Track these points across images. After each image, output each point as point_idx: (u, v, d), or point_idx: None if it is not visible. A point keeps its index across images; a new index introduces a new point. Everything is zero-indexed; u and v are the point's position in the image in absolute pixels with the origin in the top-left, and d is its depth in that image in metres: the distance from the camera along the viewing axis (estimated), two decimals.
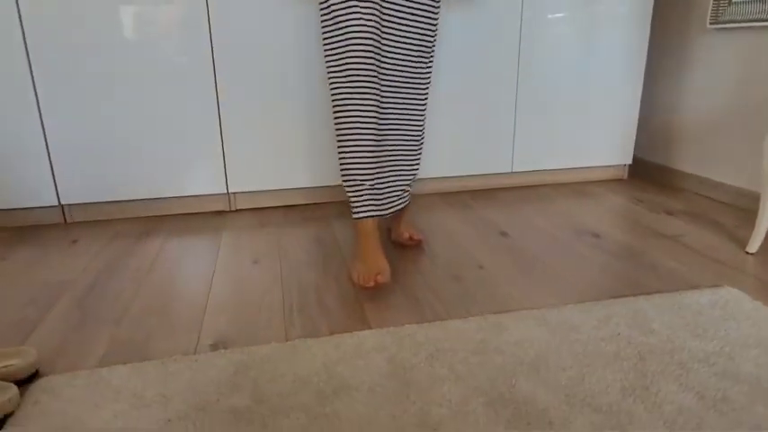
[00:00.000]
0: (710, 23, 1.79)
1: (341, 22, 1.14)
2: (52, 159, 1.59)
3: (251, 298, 1.17)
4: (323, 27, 1.20)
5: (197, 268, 1.33)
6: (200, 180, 1.70)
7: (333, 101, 1.21)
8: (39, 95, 1.53)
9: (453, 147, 1.89)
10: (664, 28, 2.04)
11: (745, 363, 0.89)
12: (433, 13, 1.27)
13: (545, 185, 2.05)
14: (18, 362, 0.87)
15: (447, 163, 1.90)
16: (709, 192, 1.88)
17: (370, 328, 1.03)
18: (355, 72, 1.16)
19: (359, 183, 1.24)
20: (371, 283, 1.13)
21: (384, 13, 1.19)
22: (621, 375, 0.86)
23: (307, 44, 1.64)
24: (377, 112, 1.21)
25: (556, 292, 1.18)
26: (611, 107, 2.00)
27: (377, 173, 1.28)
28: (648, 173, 2.16)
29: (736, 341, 0.96)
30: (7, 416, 0.78)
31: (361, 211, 1.25)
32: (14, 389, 0.80)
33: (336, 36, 1.17)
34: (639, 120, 2.11)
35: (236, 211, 1.79)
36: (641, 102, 2.09)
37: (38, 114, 1.54)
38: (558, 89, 1.92)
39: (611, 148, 2.05)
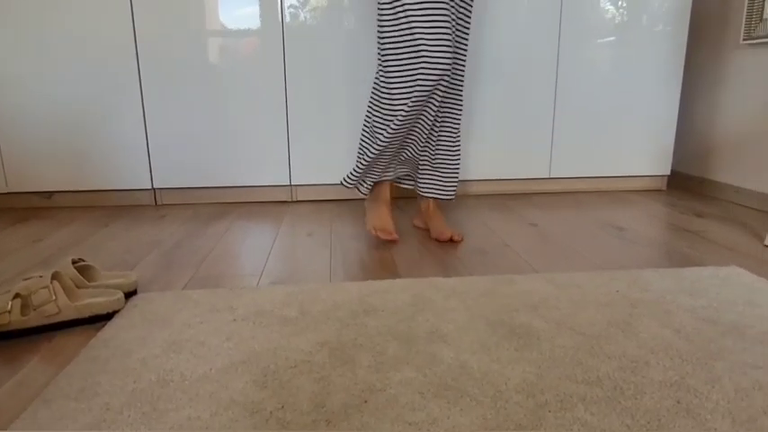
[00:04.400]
0: (744, 39, 1.89)
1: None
2: (150, 152, 1.91)
3: (304, 256, 1.39)
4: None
5: (261, 236, 1.57)
6: (267, 173, 1.97)
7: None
8: (144, 104, 1.87)
9: (493, 151, 2.06)
10: (700, 44, 2.14)
11: (727, 313, 1.00)
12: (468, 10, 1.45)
13: (582, 192, 2.17)
14: (122, 280, 1.13)
15: (487, 167, 2.07)
16: (745, 200, 1.94)
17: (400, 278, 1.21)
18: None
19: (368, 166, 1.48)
20: (373, 232, 1.46)
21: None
22: (610, 315, 1.00)
23: (355, 62, 1.90)
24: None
25: (571, 265, 1.32)
26: (649, 117, 2.11)
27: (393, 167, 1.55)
28: (687, 185, 2.24)
29: (725, 299, 1.06)
30: (115, 311, 1.03)
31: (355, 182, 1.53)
32: (120, 293, 1.05)
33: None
34: (677, 133, 2.20)
35: (297, 201, 2.04)
36: (678, 115, 2.18)
37: (142, 117, 1.88)
38: (597, 100, 2.06)
39: (649, 157, 2.15)
